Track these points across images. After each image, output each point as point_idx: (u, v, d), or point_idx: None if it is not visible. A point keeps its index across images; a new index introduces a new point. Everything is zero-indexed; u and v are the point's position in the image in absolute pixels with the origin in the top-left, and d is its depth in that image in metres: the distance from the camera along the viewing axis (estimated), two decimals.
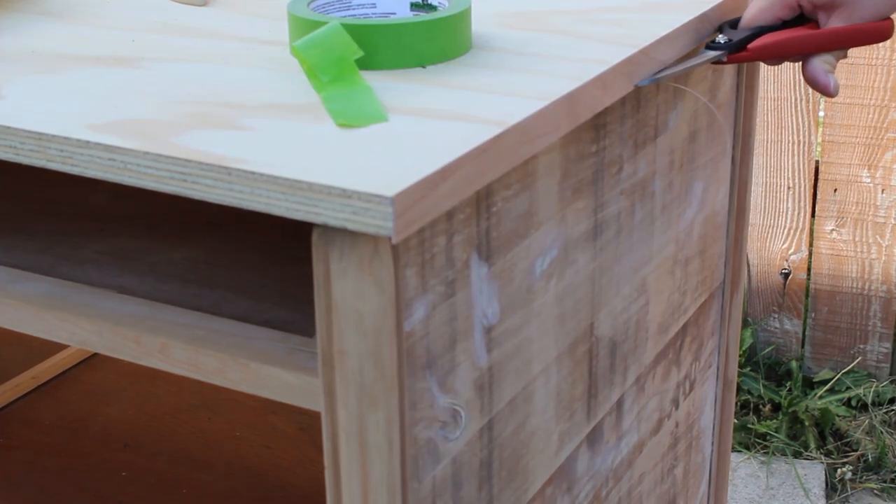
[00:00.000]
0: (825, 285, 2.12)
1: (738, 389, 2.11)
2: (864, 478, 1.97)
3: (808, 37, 0.89)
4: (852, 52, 1.96)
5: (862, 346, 2.14)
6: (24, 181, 0.95)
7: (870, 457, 1.99)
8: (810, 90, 2.00)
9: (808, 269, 2.13)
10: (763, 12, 0.90)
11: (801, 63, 0.91)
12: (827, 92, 0.90)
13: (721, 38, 0.89)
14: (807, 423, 2.04)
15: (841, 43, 0.89)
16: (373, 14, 0.85)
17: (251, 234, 0.86)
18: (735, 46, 0.89)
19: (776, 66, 1.99)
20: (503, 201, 0.71)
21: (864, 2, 0.87)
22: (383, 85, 0.74)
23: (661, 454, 1.05)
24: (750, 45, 0.89)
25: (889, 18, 0.88)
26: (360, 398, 0.64)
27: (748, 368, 2.16)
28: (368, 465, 0.65)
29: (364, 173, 0.61)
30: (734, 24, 0.91)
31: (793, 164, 2.08)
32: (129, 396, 1.31)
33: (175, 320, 0.74)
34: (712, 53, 0.88)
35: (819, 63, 0.90)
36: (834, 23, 0.88)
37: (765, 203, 2.12)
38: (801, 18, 0.90)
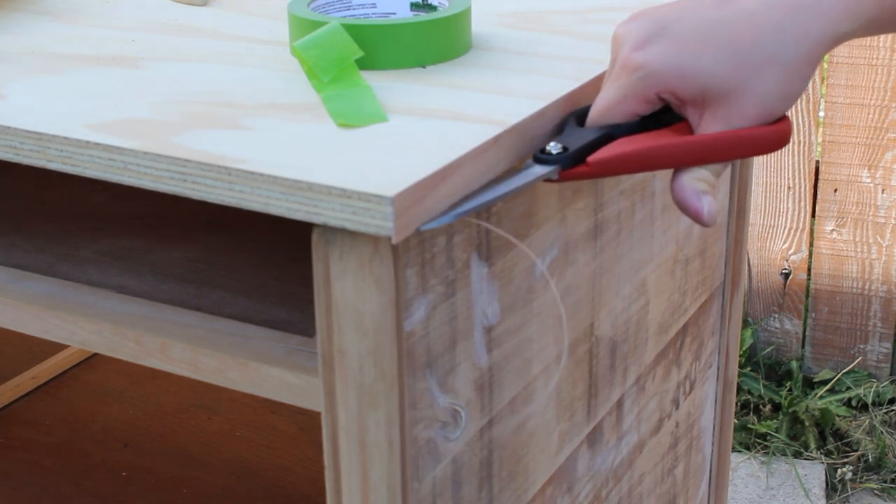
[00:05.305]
0: (825, 285, 2.12)
1: (739, 389, 2.11)
2: (865, 478, 1.97)
3: (672, 147, 0.65)
4: (852, 52, 1.96)
5: (862, 346, 2.14)
6: (24, 181, 0.95)
7: (870, 457, 1.99)
8: (810, 89, 2.00)
9: (809, 269, 2.14)
10: (613, 107, 0.67)
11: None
12: (699, 220, 0.66)
13: (553, 147, 0.66)
14: (807, 423, 2.04)
15: (719, 154, 0.65)
16: (373, 14, 0.85)
17: (251, 234, 0.86)
18: (570, 159, 0.66)
19: None
20: (503, 201, 0.71)
21: (747, 96, 0.64)
22: (383, 85, 0.74)
23: (662, 454, 1.05)
24: (591, 158, 0.65)
25: (784, 118, 0.66)
26: (360, 398, 0.64)
27: (748, 368, 2.16)
28: (368, 464, 0.65)
29: (364, 173, 0.61)
30: (584, 116, 0.69)
31: (793, 164, 2.08)
32: (129, 396, 1.31)
33: (175, 320, 0.74)
34: (539, 170, 0.65)
35: (689, 181, 0.66)
36: (709, 125, 0.65)
37: (765, 203, 2.12)
38: (668, 113, 0.67)
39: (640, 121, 0.67)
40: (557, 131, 0.69)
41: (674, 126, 0.67)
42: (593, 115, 0.68)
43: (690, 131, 0.67)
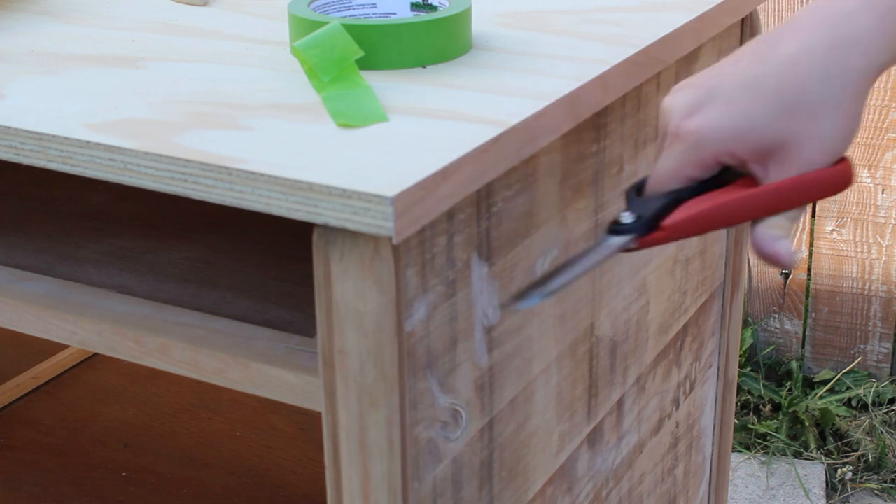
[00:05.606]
0: (825, 285, 2.12)
1: (739, 389, 2.11)
2: (865, 478, 1.97)
3: (742, 200, 0.66)
4: None
5: (862, 346, 2.14)
6: (24, 181, 0.95)
7: (870, 457, 1.99)
8: None
9: (809, 269, 2.14)
10: (671, 175, 0.67)
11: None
12: (780, 263, 0.67)
13: (627, 217, 0.67)
14: (807, 424, 2.04)
15: (789, 201, 0.66)
16: (373, 14, 0.85)
17: (251, 234, 0.86)
18: (645, 226, 0.67)
19: None
20: (504, 201, 0.71)
21: (807, 142, 0.64)
22: (383, 85, 0.74)
23: (662, 454, 1.05)
24: (666, 223, 0.67)
25: (844, 159, 0.66)
26: (360, 398, 0.64)
27: (748, 368, 2.16)
28: (369, 465, 0.65)
29: (364, 173, 0.61)
30: (642, 188, 0.69)
31: None
32: (129, 396, 1.31)
33: (175, 320, 0.74)
34: (617, 241, 0.67)
35: (763, 230, 0.67)
36: (775, 175, 0.65)
37: None
38: (729, 172, 0.68)
39: (701, 183, 0.67)
40: (624, 206, 0.70)
41: (740, 181, 0.67)
42: (652, 185, 0.68)
43: (757, 184, 0.67)
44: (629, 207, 0.68)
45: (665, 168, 0.67)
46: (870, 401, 2.08)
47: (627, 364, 0.93)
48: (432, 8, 0.83)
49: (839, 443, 2.03)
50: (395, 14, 0.85)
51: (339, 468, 0.66)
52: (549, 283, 0.65)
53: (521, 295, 0.67)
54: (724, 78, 0.66)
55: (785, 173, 0.65)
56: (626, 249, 0.67)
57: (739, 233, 1.12)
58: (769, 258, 0.67)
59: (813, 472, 1.96)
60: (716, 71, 0.67)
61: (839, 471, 1.96)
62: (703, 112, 0.66)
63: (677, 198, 0.67)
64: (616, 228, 0.67)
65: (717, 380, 1.17)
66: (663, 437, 1.05)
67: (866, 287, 2.10)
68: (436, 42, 0.78)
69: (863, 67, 0.64)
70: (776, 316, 2.17)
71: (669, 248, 0.97)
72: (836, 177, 0.66)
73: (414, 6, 0.84)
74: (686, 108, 0.66)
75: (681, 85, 0.68)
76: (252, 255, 0.83)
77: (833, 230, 2.09)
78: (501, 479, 0.77)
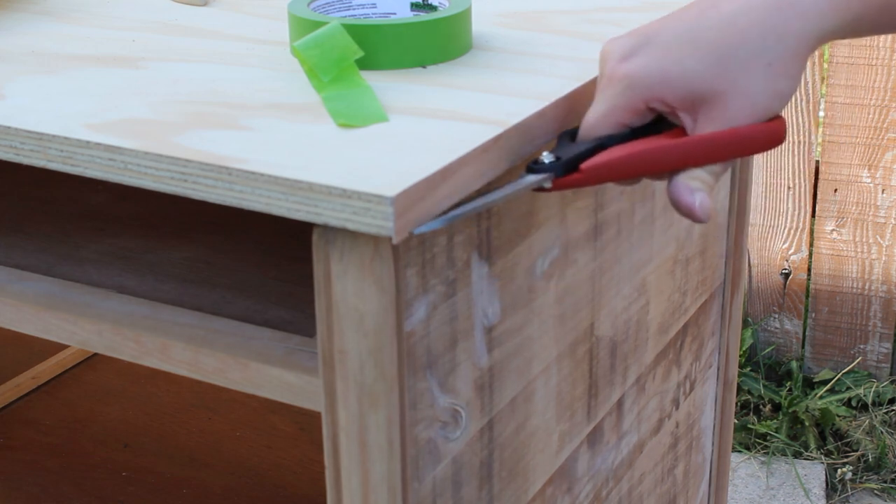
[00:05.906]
0: (825, 285, 2.12)
1: (739, 389, 2.11)
2: (865, 478, 1.97)
3: (665, 148, 0.66)
4: (852, 52, 1.96)
5: (862, 346, 2.14)
6: (24, 181, 0.95)
7: (870, 457, 1.99)
8: (810, 89, 2.00)
9: (809, 269, 2.14)
10: (602, 119, 0.67)
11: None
12: (692, 214, 0.66)
13: (546, 157, 0.66)
14: (807, 424, 2.04)
15: (714, 154, 0.66)
16: (373, 14, 0.85)
17: (251, 234, 0.86)
18: (563, 167, 0.66)
19: None
20: (504, 203, 0.71)
21: (736, 96, 0.64)
22: (383, 85, 0.74)
23: (662, 454, 1.05)
24: (584, 165, 0.66)
25: (778, 117, 0.66)
26: (360, 398, 0.64)
27: (748, 368, 2.16)
28: (369, 465, 0.65)
29: (364, 173, 0.61)
30: (576, 133, 0.69)
31: (793, 164, 2.08)
32: (129, 396, 1.31)
33: (175, 320, 0.74)
34: (532, 179, 0.66)
35: (683, 179, 0.66)
36: (703, 127, 0.66)
37: (765, 203, 2.12)
38: (663, 123, 0.68)
39: (631, 132, 0.68)
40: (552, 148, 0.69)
41: (668, 132, 0.67)
42: (584, 128, 0.68)
43: (685, 136, 0.67)
44: (554, 150, 0.68)
45: (596, 112, 0.67)
46: (870, 401, 2.08)
47: (627, 364, 0.93)
48: (432, 8, 0.83)
49: (839, 443, 2.03)
50: (395, 14, 0.85)
51: (338, 468, 0.66)
52: (456, 208, 0.63)
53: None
54: (664, 27, 0.67)
55: (713, 125, 0.65)
56: (540, 188, 0.66)
57: (740, 233, 1.12)
58: (683, 209, 0.67)
59: (813, 472, 1.96)
60: (659, 21, 0.68)
61: (839, 471, 1.96)
62: (638, 56, 0.66)
63: (605, 144, 0.67)
64: (533, 167, 0.67)
65: (717, 380, 1.17)
66: (663, 437, 1.05)
67: (866, 287, 2.10)
68: (436, 42, 0.78)
69: (801, 31, 0.64)
70: (776, 316, 2.17)
71: (669, 248, 0.97)
72: (765, 134, 0.65)
73: (414, 6, 0.84)
74: (622, 52, 0.67)
75: (624, 33, 0.69)
76: (252, 255, 0.83)
77: (833, 230, 2.09)
78: (501, 479, 0.77)
